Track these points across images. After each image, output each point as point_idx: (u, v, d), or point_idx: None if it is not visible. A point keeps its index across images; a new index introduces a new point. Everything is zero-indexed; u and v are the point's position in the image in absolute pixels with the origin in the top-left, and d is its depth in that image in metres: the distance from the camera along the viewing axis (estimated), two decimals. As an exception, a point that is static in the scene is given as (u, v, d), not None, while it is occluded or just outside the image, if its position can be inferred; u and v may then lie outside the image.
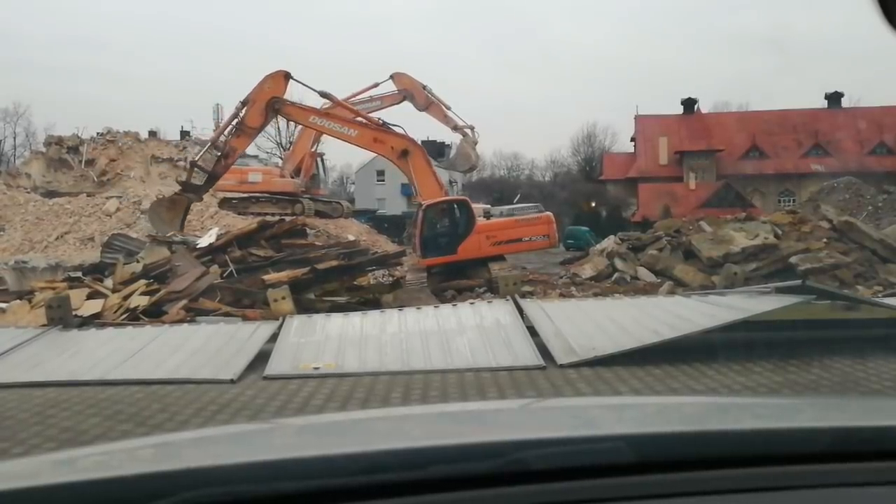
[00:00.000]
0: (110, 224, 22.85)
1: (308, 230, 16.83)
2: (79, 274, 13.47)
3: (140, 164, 31.75)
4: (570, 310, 10.41)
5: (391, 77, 22.00)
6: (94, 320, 10.94)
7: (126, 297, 11.57)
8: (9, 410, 6.96)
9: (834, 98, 51.31)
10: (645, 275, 15.41)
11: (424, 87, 21.72)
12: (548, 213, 16.78)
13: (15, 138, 58.11)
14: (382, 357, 8.78)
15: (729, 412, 1.64)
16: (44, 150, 34.36)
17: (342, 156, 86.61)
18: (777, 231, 15.83)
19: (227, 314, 11.23)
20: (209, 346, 9.17)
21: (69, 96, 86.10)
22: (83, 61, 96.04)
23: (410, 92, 21.71)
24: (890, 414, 1.54)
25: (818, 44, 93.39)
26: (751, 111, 55.13)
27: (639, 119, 52.82)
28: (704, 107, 54.49)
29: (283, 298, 11.22)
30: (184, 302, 11.49)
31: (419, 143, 17.21)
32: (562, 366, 8.14)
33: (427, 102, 21.69)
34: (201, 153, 18.06)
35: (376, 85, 22.09)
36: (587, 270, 16.48)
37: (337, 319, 10.25)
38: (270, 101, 15.93)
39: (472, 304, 11.10)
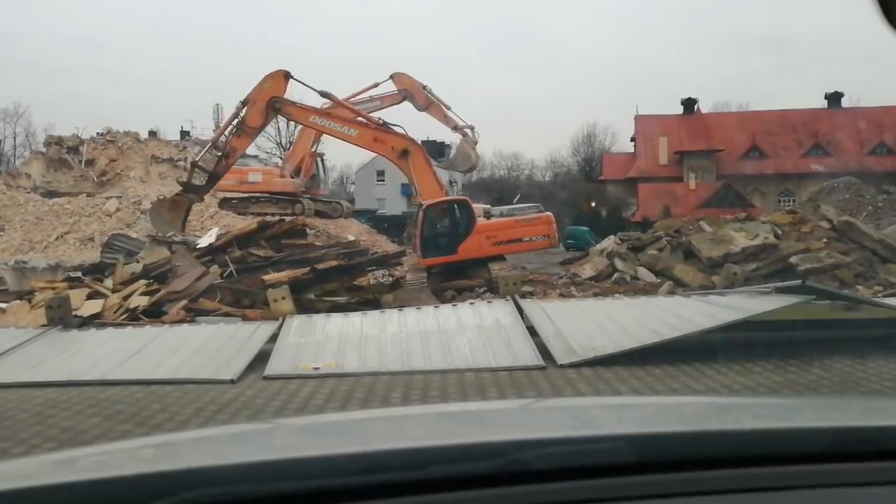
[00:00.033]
0: (110, 224, 22.86)
1: (308, 230, 16.84)
2: (79, 274, 13.47)
3: (140, 165, 31.74)
4: (570, 310, 10.40)
5: (391, 77, 21.98)
6: (94, 320, 10.94)
7: (126, 298, 11.57)
8: (9, 410, 6.96)
9: (834, 98, 51.31)
10: (645, 275, 15.41)
11: (424, 87, 21.70)
12: (548, 213, 16.75)
13: (15, 138, 58.28)
14: (382, 357, 8.78)
15: (729, 412, 1.64)
16: (44, 150, 34.34)
17: (342, 156, 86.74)
18: (777, 231, 15.82)
19: (227, 314, 11.23)
20: (209, 347, 9.17)
21: (69, 96, 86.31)
22: (83, 61, 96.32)
23: (410, 92, 21.69)
24: (890, 414, 1.54)
25: (818, 44, 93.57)
26: (751, 111, 55.16)
27: (639, 119, 52.81)
28: (704, 107, 54.63)
29: (283, 298, 11.22)
30: (184, 302, 11.49)
31: (419, 142, 17.19)
32: (562, 366, 8.14)
33: (427, 102, 21.67)
34: (202, 153, 18.06)
35: (376, 85, 22.09)
36: (587, 270, 16.47)
37: (337, 319, 10.25)
38: (271, 100, 15.92)
39: (472, 304, 11.10)
